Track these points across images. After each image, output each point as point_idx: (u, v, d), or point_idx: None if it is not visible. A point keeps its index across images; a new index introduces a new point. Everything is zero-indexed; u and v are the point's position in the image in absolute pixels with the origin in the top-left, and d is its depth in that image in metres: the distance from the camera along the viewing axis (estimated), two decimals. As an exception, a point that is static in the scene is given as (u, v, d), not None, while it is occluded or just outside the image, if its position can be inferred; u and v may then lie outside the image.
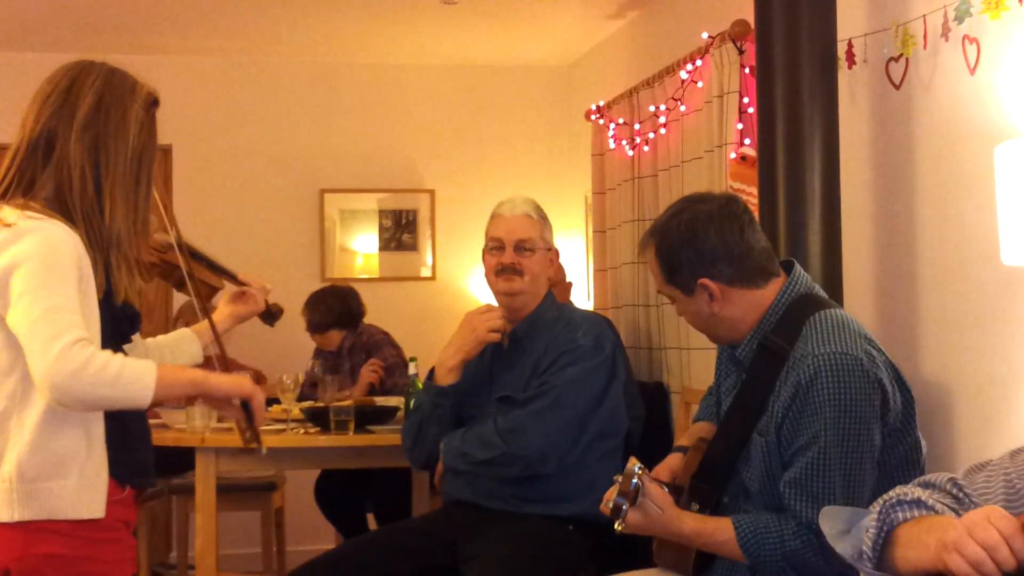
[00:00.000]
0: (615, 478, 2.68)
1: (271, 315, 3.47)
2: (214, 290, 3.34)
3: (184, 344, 3.20)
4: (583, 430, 3.78)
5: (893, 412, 2.77)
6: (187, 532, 6.37)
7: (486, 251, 4.01)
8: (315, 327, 6.38)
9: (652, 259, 2.95)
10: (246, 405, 2.82)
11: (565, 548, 3.76)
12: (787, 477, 2.73)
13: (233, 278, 3.34)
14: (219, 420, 4.79)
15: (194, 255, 3.23)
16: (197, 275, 3.18)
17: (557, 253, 4.09)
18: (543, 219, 4.02)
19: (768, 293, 2.88)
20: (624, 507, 2.64)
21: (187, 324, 6.21)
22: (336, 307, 6.39)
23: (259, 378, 6.26)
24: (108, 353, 2.52)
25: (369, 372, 6.08)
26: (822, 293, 2.99)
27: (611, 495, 2.67)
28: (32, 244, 2.53)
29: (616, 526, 2.67)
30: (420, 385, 4.71)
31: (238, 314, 3.33)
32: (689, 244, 2.86)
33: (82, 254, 2.58)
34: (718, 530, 2.80)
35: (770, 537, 2.73)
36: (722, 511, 2.89)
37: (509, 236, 3.96)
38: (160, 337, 3.22)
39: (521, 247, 3.94)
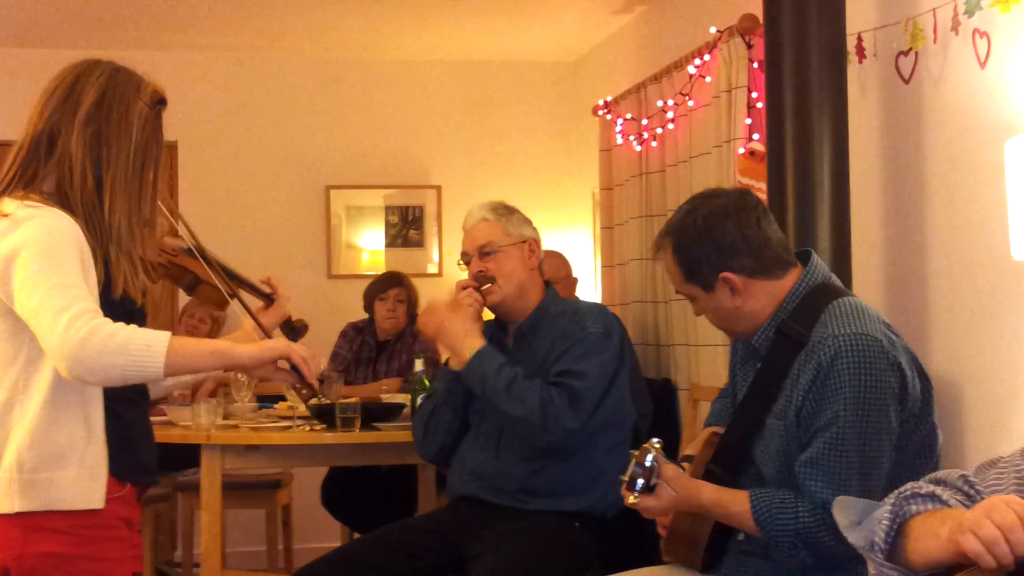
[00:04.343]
0: (632, 453, 2.68)
1: (294, 330, 3.42)
2: (227, 296, 3.30)
3: None
4: (591, 417, 3.76)
5: (912, 397, 2.75)
6: (192, 530, 6.36)
7: (463, 267, 4.01)
8: (399, 283, 6.43)
9: (669, 259, 2.92)
10: (292, 364, 2.78)
11: (572, 546, 3.74)
12: (804, 457, 2.72)
13: (250, 287, 3.29)
14: (225, 417, 4.78)
15: (208, 261, 3.20)
16: (210, 280, 3.15)
17: (536, 241, 4.02)
18: (505, 215, 3.98)
19: (786, 283, 2.87)
20: (639, 480, 2.63)
21: (193, 316, 6.25)
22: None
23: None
24: (119, 324, 2.50)
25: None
26: (839, 282, 2.97)
27: (628, 472, 2.67)
28: (31, 230, 2.54)
29: (631, 499, 2.66)
30: (426, 382, 4.70)
31: (265, 326, 3.26)
32: (708, 239, 2.84)
33: (82, 239, 2.58)
34: (735, 501, 2.79)
35: (785, 512, 2.72)
36: None
37: (471, 246, 3.97)
38: None
39: (483, 252, 3.93)
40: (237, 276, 3.32)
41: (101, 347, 2.45)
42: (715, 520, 2.87)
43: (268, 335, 3.08)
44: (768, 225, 2.88)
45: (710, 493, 2.80)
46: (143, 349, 2.50)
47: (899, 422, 2.73)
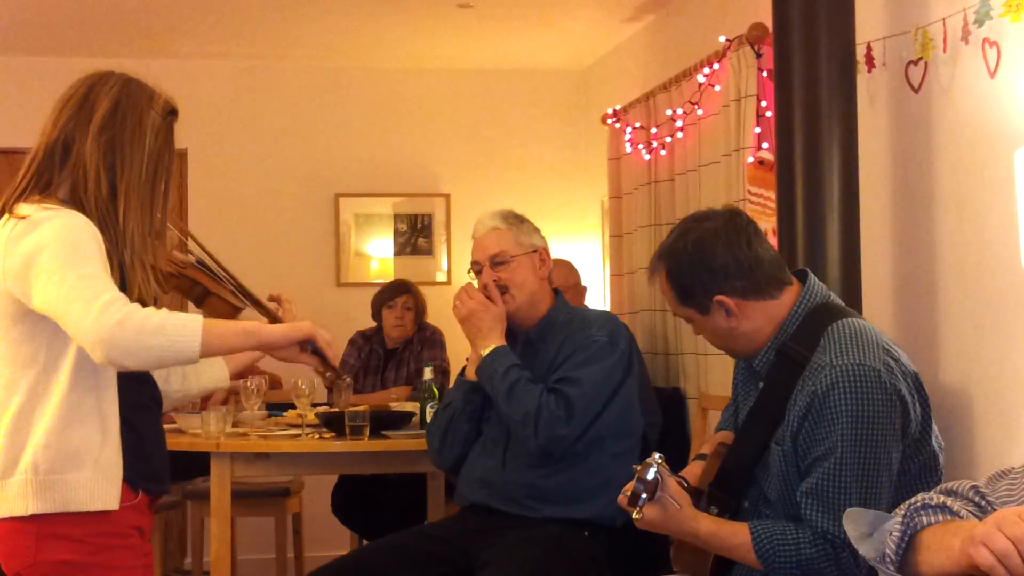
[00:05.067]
0: (634, 468, 2.67)
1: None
2: (235, 310, 3.30)
3: (209, 365, 3.16)
4: (589, 425, 3.75)
5: (914, 422, 2.75)
6: (202, 538, 6.36)
7: (473, 275, 4.00)
8: (407, 290, 6.45)
9: (663, 283, 2.94)
10: (313, 348, 2.82)
11: (581, 554, 3.74)
12: (804, 487, 2.72)
13: (258, 304, 3.30)
14: (234, 424, 4.78)
15: (218, 274, 3.21)
16: (219, 292, 3.16)
17: (546, 250, 4.02)
18: (516, 224, 3.97)
19: (783, 303, 2.87)
20: (643, 496, 2.63)
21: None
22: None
23: (275, 383, 6.26)
24: (151, 308, 2.55)
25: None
26: (839, 301, 2.97)
27: (630, 485, 2.66)
28: (50, 229, 2.56)
29: (634, 515, 2.66)
30: (435, 390, 4.70)
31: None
32: (699, 263, 2.84)
33: (100, 238, 2.61)
34: (734, 534, 2.78)
35: (786, 544, 2.72)
36: (742, 516, 2.87)
37: (483, 255, 3.95)
38: None
39: (496, 262, 3.92)
40: (245, 290, 3.33)
41: (138, 328, 2.49)
42: (712, 552, 2.86)
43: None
44: (760, 245, 2.88)
45: (707, 524, 2.78)
46: (179, 329, 2.54)
47: (900, 452, 2.73)
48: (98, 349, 2.49)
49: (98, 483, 2.61)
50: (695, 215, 3.01)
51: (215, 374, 3.17)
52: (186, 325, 2.55)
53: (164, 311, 2.56)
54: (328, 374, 2.90)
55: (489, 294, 3.89)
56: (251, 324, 2.79)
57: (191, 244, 3.09)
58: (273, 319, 3.21)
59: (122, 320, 2.47)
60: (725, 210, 3.00)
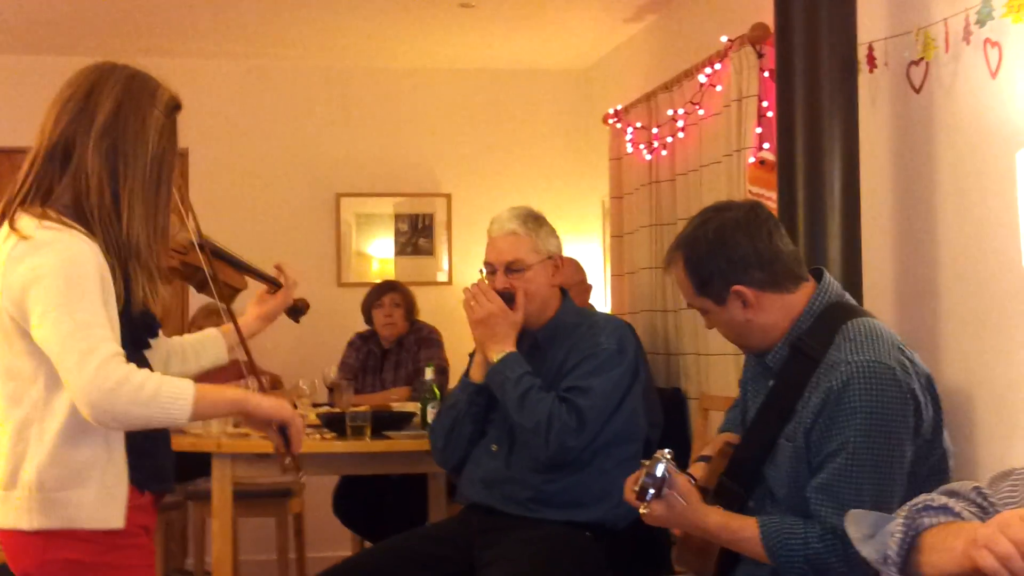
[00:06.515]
0: (643, 462, 2.67)
1: (296, 310, 3.45)
2: (236, 291, 3.31)
3: (208, 345, 3.16)
4: (600, 432, 3.75)
5: (926, 422, 2.75)
6: (204, 538, 6.36)
7: (485, 274, 3.96)
8: (393, 288, 6.52)
9: (680, 271, 2.91)
10: (284, 430, 2.80)
11: (583, 555, 3.73)
12: (815, 483, 2.71)
13: (259, 275, 3.31)
14: (235, 425, 4.78)
15: (217, 254, 3.20)
16: (220, 276, 3.15)
17: (561, 257, 3.98)
18: (535, 229, 3.91)
19: (799, 298, 2.85)
20: (651, 490, 2.63)
21: (201, 328, 6.27)
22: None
23: (276, 383, 6.27)
24: (146, 372, 2.52)
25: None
26: (852, 301, 2.96)
27: (639, 476, 2.67)
28: (51, 257, 2.51)
29: (641, 509, 2.66)
30: (436, 391, 4.69)
31: (265, 314, 3.30)
32: (720, 252, 2.83)
33: (102, 263, 2.56)
34: (743, 527, 2.77)
35: (794, 539, 2.71)
36: (747, 514, 2.86)
37: (498, 259, 3.89)
38: (185, 336, 3.19)
39: (511, 269, 3.87)
40: (244, 264, 3.34)
41: (131, 398, 2.46)
42: (721, 546, 2.86)
43: (271, 319, 3.29)
44: (779, 238, 2.87)
45: (717, 518, 2.78)
46: (172, 401, 2.51)
47: (912, 450, 2.72)
48: (87, 410, 2.46)
49: (103, 501, 2.59)
50: (715, 205, 2.99)
51: (214, 353, 3.17)
52: (179, 397, 2.52)
53: (158, 378, 2.52)
54: (287, 460, 2.88)
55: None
56: (239, 394, 2.78)
57: (189, 222, 3.04)
58: (275, 286, 3.24)
59: (114, 388, 2.44)
60: (746, 202, 2.99)
